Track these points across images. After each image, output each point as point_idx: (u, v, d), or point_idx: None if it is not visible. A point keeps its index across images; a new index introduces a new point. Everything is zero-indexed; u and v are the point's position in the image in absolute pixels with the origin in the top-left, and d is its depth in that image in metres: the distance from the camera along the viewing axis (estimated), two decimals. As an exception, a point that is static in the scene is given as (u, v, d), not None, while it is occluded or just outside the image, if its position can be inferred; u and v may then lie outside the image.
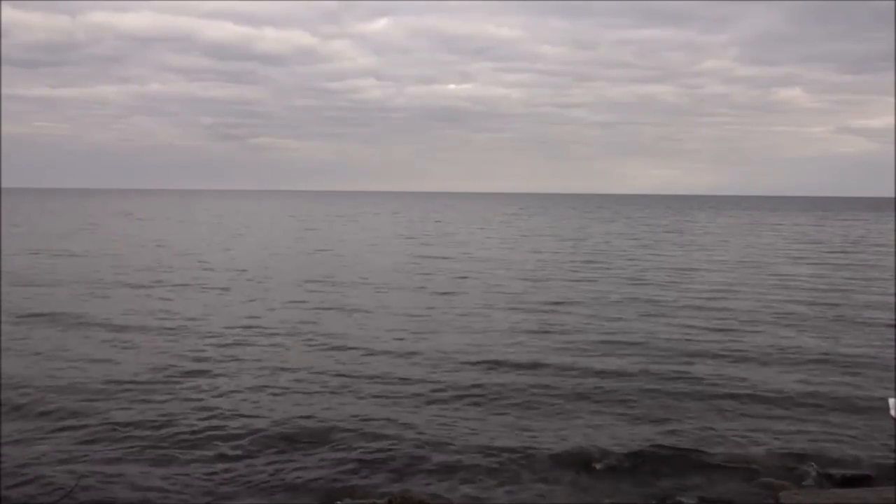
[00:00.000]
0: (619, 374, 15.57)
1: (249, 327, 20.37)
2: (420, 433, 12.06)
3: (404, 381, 15.07)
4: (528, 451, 11.29)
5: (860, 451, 11.47)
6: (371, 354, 17.29)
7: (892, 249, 46.61)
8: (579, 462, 10.96)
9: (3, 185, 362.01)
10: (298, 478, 10.43)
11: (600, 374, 15.62)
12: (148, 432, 12.02)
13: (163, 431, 12.04)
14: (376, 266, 35.88)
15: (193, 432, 12.04)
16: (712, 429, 12.37)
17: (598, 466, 10.82)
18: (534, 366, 16.22)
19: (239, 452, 11.23)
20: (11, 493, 9.89)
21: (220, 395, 14.03)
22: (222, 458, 11.06)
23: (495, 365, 16.29)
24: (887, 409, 12.83)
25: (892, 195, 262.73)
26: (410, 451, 11.33)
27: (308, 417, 12.82)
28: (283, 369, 15.94)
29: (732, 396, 14.13)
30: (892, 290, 27.77)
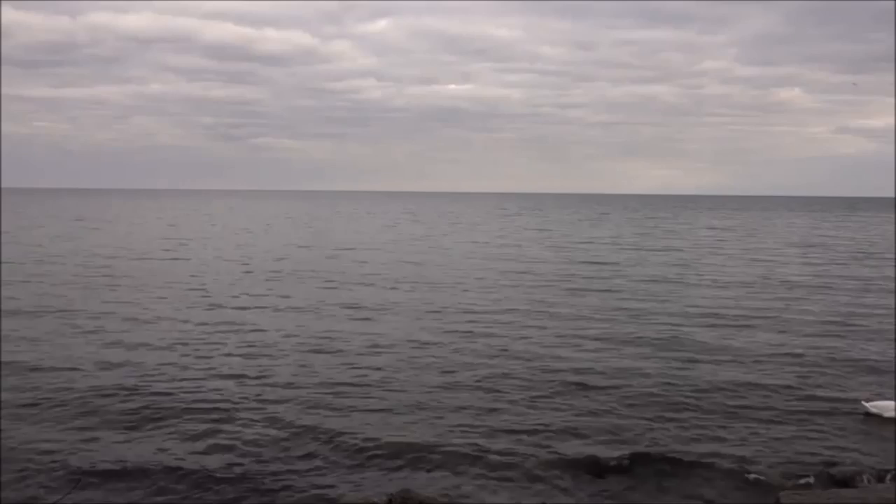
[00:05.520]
0: (617, 377, 15.60)
1: (236, 332, 20.41)
2: (420, 434, 12.09)
3: (404, 382, 15.13)
4: (529, 453, 11.31)
5: (860, 451, 11.52)
6: (370, 356, 17.33)
7: (893, 252, 46.58)
8: (579, 463, 10.98)
9: (3, 185, 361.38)
10: (299, 478, 10.45)
11: (599, 374, 15.65)
12: (150, 432, 12.05)
13: (164, 432, 12.07)
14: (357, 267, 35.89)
15: (195, 432, 12.07)
16: (713, 430, 12.40)
17: (598, 467, 10.82)
18: (530, 368, 16.24)
19: (241, 453, 11.25)
20: (12, 492, 9.90)
21: (222, 397, 14.04)
22: (224, 458, 11.08)
23: (491, 368, 16.37)
24: (873, 410, 12.94)
25: (892, 195, 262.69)
26: (410, 451, 11.34)
27: (308, 419, 12.83)
28: (282, 371, 15.96)
29: (731, 398, 14.15)
30: (893, 293, 27.76)
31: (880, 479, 10.40)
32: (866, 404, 13.17)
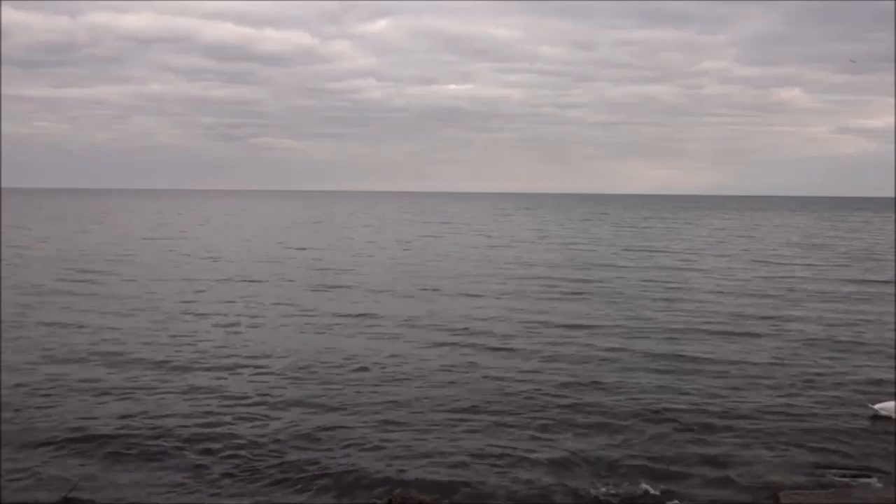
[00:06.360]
0: (613, 387, 15.55)
1: (237, 333, 20.31)
2: (421, 436, 12.07)
3: (402, 385, 15.10)
4: (528, 454, 11.29)
5: (860, 451, 11.51)
6: (367, 360, 17.27)
7: (893, 254, 46.52)
8: (579, 462, 10.98)
9: (3, 185, 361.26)
10: (299, 478, 10.42)
11: (592, 385, 15.54)
12: (147, 435, 11.97)
13: (163, 434, 11.99)
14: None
15: (194, 434, 12.02)
16: (713, 430, 12.38)
17: (598, 465, 10.83)
18: (524, 371, 16.27)
19: (239, 455, 11.22)
20: (11, 493, 9.86)
21: (221, 398, 14.01)
22: (223, 459, 11.05)
23: (488, 373, 16.40)
24: (883, 412, 12.88)
25: (892, 195, 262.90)
26: (411, 452, 11.34)
27: (309, 419, 12.82)
28: (286, 369, 15.93)
29: (731, 398, 14.13)
30: (893, 296, 27.65)
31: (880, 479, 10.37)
32: (874, 406, 13.11)
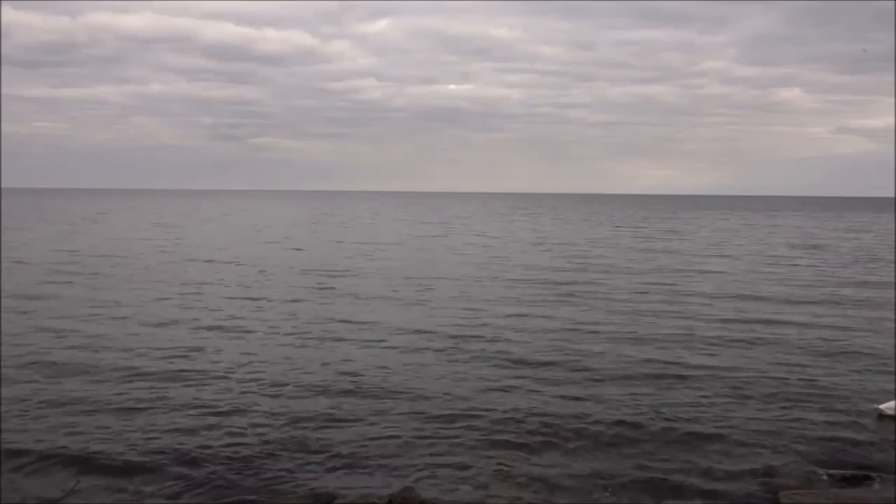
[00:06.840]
0: (619, 382, 15.57)
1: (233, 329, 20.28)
2: (417, 442, 12.00)
3: (403, 385, 15.09)
4: (525, 461, 11.25)
5: (860, 451, 11.48)
6: (367, 359, 17.29)
7: (892, 254, 46.47)
8: (577, 469, 10.95)
9: (3, 185, 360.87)
10: (299, 478, 10.39)
11: (596, 376, 15.62)
12: (146, 433, 11.93)
13: (151, 446, 11.77)
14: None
15: (192, 432, 11.96)
16: (712, 430, 12.33)
17: (596, 473, 10.81)
18: (517, 368, 16.26)
19: (239, 454, 11.18)
20: (11, 493, 9.84)
21: (218, 396, 13.98)
22: (222, 458, 11.01)
23: (487, 374, 16.44)
24: (888, 412, 12.82)
25: (892, 195, 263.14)
26: (411, 451, 11.32)
27: (308, 418, 12.78)
28: (280, 369, 15.90)
29: (731, 397, 14.10)
30: (893, 295, 27.59)
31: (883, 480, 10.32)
32: (878, 406, 13.06)
